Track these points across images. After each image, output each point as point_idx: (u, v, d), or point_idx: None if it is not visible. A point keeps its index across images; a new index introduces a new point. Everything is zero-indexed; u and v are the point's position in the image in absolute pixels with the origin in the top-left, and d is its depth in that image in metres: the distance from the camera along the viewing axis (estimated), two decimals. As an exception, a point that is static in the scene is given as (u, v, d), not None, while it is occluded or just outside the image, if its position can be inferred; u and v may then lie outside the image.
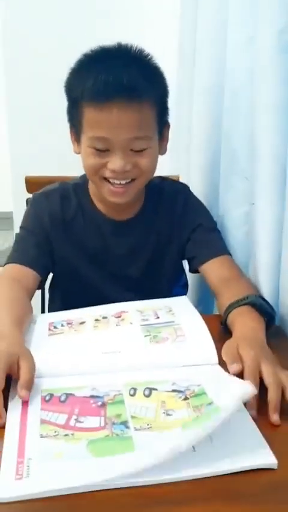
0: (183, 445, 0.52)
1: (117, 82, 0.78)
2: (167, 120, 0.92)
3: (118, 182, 0.86)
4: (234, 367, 0.64)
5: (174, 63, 1.33)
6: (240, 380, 0.62)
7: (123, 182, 0.86)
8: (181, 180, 1.23)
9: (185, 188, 1.03)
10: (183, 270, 1.09)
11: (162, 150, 0.92)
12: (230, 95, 1.00)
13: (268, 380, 0.62)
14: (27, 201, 1.28)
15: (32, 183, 1.28)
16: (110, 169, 0.84)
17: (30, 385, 0.63)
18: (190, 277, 1.12)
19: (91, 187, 0.97)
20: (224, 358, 0.68)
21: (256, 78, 0.86)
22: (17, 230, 1.62)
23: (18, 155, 1.83)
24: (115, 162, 0.83)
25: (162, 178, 1.02)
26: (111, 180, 0.86)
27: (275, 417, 0.59)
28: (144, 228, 0.98)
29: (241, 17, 0.94)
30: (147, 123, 0.84)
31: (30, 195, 1.27)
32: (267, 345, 0.71)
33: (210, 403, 0.60)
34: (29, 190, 1.28)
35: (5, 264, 0.92)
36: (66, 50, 1.64)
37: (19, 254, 0.93)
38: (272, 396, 0.60)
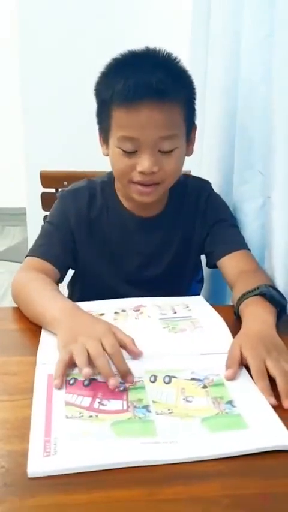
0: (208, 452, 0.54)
1: (146, 84, 0.81)
2: (194, 122, 0.94)
3: (145, 186, 0.88)
4: (228, 372, 0.67)
5: (186, 59, 1.34)
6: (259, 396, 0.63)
7: (150, 185, 0.88)
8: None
9: (207, 185, 1.06)
10: (201, 265, 1.11)
11: (189, 152, 0.95)
12: (245, 90, 1.02)
13: (273, 372, 0.65)
14: (41, 196, 1.31)
15: (47, 178, 1.30)
16: (138, 171, 0.86)
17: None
18: (205, 271, 1.14)
19: (117, 185, 0.99)
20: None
21: (273, 73, 0.88)
22: (30, 226, 1.65)
23: (32, 152, 1.85)
24: (143, 163, 0.85)
25: (186, 176, 1.04)
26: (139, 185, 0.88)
27: (287, 403, 0.62)
28: (169, 225, 1.00)
29: (257, 15, 0.96)
30: (175, 123, 0.86)
31: (45, 190, 1.31)
32: (277, 334, 0.73)
33: (229, 401, 0.62)
34: (44, 185, 1.30)
35: (27, 256, 0.94)
36: (81, 46, 1.68)
37: (42, 249, 0.94)
38: (281, 385, 0.63)
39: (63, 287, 1.12)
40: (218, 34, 1.13)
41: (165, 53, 0.87)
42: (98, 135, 0.94)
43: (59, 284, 1.03)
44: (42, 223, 1.30)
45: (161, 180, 0.89)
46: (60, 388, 0.63)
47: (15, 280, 0.88)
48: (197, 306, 0.89)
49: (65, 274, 1.00)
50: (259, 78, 0.97)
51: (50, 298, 0.79)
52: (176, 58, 0.88)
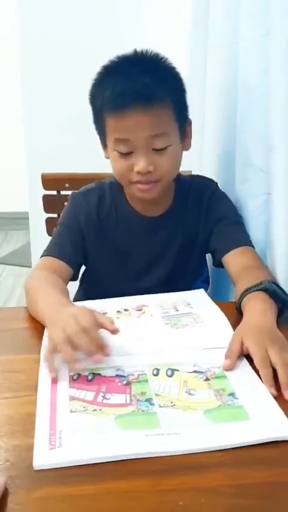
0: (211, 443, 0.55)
1: (133, 90, 0.84)
2: (187, 116, 0.96)
3: (143, 185, 0.91)
4: (226, 362, 0.68)
5: (185, 58, 1.35)
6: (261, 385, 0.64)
7: (147, 184, 0.91)
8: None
9: (212, 183, 1.07)
10: (205, 264, 1.12)
11: (186, 146, 0.97)
12: (244, 88, 1.02)
13: (275, 362, 0.66)
14: (43, 198, 1.32)
15: (48, 180, 1.31)
16: (136, 171, 0.89)
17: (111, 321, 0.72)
18: (210, 270, 1.14)
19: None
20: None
21: (272, 72, 0.88)
22: (32, 229, 1.66)
23: (34, 156, 1.86)
24: (139, 163, 0.88)
25: (193, 176, 1.07)
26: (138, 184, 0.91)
27: (287, 393, 0.62)
28: (174, 224, 1.02)
29: (254, 13, 0.97)
30: (164, 122, 0.88)
31: (46, 192, 1.32)
32: (278, 329, 0.73)
33: (231, 393, 0.63)
34: (45, 187, 1.31)
35: (42, 256, 0.97)
36: (82, 49, 1.69)
37: (56, 248, 0.98)
38: (281, 376, 0.64)
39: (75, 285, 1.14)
40: (217, 33, 1.14)
41: (152, 54, 0.90)
42: (99, 138, 0.97)
43: (74, 281, 1.06)
44: (45, 225, 1.32)
45: (159, 177, 0.91)
46: (54, 376, 0.65)
47: (27, 280, 0.91)
48: (198, 301, 0.89)
49: (79, 271, 1.03)
50: (258, 76, 0.97)
51: (49, 298, 0.81)
52: (163, 58, 0.91)
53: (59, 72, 1.75)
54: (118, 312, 0.86)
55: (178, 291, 0.95)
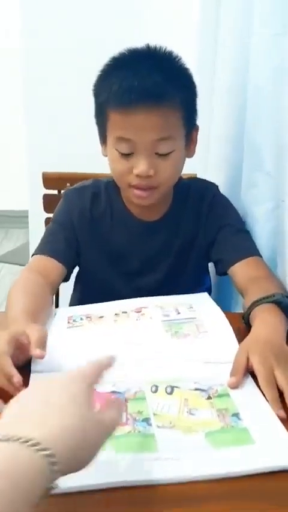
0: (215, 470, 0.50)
1: (142, 87, 0.79)
2: (195, 122, 0.91)
3: (142, 189, 0.86)
4: (232, 380, 0.64)
5: (193, 59, 1.31)
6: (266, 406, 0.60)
7: (146, 190, 0.86)
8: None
9: (212, 187, 1.02)
10: (207, 272, 1.07)
11: (191, 153, 0.92)
12: (254, 90, 0.98)
13: (282, 383, 0.61)
14: (43, 197, 1.28)
15: (49, 179, 1.28)
16: (135, 173, 0.84)
17: (42, 343, 0.63)
18: (213, 279, 1.10)
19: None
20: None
21: (284, 72, 0.84)
22: (32, 228, 1.62)
23: (35, 154, 1.82)
24: (139, 166, 0.83)
25: (192, 179, 1.02)
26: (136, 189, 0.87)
27: None
28: (171, 229, 0.97)
29: (267, 13, 0.93)
30: (172, 125, 0.83)
31: (47, 192, 1.28)
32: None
33: (235, 414, 0.58)
34: (45, 186, 1.28)
35: (33, 255, 0.94)
36: (84, 47, 1.65)
37: (48, 246, 0.94)
38: None
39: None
40: (227, 33, 1.10)
41: (165, 51, 0.84)
42: (98, 132, 0.92)
43: (66, 282, 1.01)
44: (44, 225, 1.28)
45: (158, 184, 0.86)
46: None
47: (14, 281, 0.87)
48: (201, 305, 0.85)
49: (72, 270, 0.98)
50: (268, 76, 0.93)
51: (11, 310, 0.76)
52: (176, 57, 0.85)
53: (61, 70, 1.71)
54: (116, 314, 0.82)
55: (176, 292, 0.90)
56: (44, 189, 1.28)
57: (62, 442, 0.39)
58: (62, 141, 1.74)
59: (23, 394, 0.45)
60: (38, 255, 0.92)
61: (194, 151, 0.93)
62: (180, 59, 0.86)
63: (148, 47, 0.84)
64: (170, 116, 0.82)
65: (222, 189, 1.09)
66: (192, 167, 1.34)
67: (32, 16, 1.73)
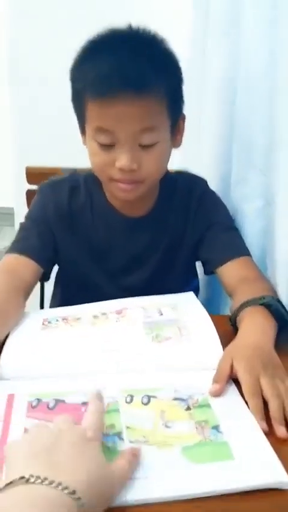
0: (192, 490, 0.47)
1: (121, 75, 0.71)
2: (181, 111, 0.84)
3: (125, 184, 0.80)
4: (214, 388, 0.60)
5: (184, 50, 1.26)
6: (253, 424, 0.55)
7: (131, 183, 0.80)
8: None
9: (201, 182, 0.97)
10: (195, 272, 1.02)
11: (177, 143, 0.85)
12: (246, 82, 0.94)
13: (266, 393, 0.57)
14: (26, 193, 1.23)
15: (32, 174, 1.22)
16: (117, 167, 0.77)
17: None
18: (201, 280, 1.06)
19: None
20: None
21: (277, 63, 0.80)
22: (17, 225, 1.55)
23: (20, 150, 1.77)
24: (121, 159, 0.76)
25: (179, 172, 0.96)
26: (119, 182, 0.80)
27: (281, 430, 0.54)
28: (157, 226, 0.92)
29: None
30: (155, 115, 0.76)
31: (31, 187, 1.23)
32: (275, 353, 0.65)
33: (215, 426, 0.54)
34: (29, 181, 1.23)
35: (6, 253, 0.87)
36: (71, 38, 1.60)
37: (19, 244, 0.88)
38: (273, 409, 0.56)
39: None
40: (217, 19, 1.05)
41: (148, 34, 0.76)
42: (77, 120, 0.85)
43: (46, 281, 0.96)
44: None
45: (143, 178, 0.80)
46: None
47: None
48: (186, 305, 0.80)
49: (50, 268, 0.93)
50: (263, 65, 0.88)
51: None
52: (161, 40, 0.77)
53: (48, 63, 1.66)
54: (94, 317, 0.77)
55: (163, 293, 0.86)
56: (28, 184, 1.23)
57: (89, 492, 0.41)
58: (48, 136, 1.69)
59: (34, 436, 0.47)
60: (9, 254, 0.86)
61: (181, 142, 0.87)
62: (164, 41, 0.77)
63: (130, 27, 0.76)
64: (154, 106, 0.75)
65: (214, 186, 1.05)
66: (184, 163, 1.30)
67: (22, 13, 1.68)
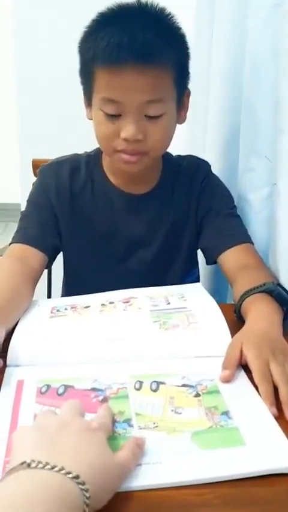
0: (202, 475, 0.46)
1: (131, 44, 0.72)
2: (187, 86, 0.85)
3: (130, 155, 0.80)
4: (224, 373, 0.60)
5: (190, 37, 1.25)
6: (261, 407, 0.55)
7: (134, 156, 0.80)
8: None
9: (206, 165, 0.96)
10: (196, 263, 1.01)
11: (181, 119, 0.86)
12: (251, 67, 0.93)
13: (276, 379, 0.57)
14: (33, 185, 1.23)
15: (39, 167, 1.23)
16: (122, 137, 0.77)
17: None
18: (202, 270, 1.05)
19: (105, 159, 0.91)
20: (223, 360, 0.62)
21: (281, 49, 0.79)
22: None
23: (26, 147, 1.77)
24: (127, 129, 0.76)
25: (183, 155, 0.96)
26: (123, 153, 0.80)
27: None
28: (160, 205, 0.91)
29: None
30: (163, 86, 0.77)
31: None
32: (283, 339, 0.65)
33: (225, 412, 0.54)
34: (36, 174, 1.23)
35: (10, 244, 0.87)
36: (76, 34, 1.59)
37: (22, 233, 0.87)
38: (283, 394, 0.56)
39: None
40: (223, 8, 1.04)
41: (157, 8, 0.78)
42: (83, 93, 0.85)
43: (47, 268, 0.95)
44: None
45: (147, 149, 0.80)
46: None
47: None
48: (194, 295, 0.80)
49: (54, 255, 0.92)
50: (267, 56, 0.88)
51: None
52: (169, 14, 0.79)
53: (54, 60, 1.66)
54: (102, 305, 0.76)
55: (166, 276, 0.85)
56: (34, 179, 1.23)
57: (92, 480, 0.40)
58: (54, 131, 1.69)
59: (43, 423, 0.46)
60: (14, 244, 0.86)
61: (185, 118, 0.87)
62: (173, 16, 0.79)
63: (139, 2, 0.78)
64: (162, 77, 0.76)
65: (221, 174, 1.04)
66: (191, 150, 1.29)
67: (26, 3, 1.68)
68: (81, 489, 0.38)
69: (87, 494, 0.38)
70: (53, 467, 0.39)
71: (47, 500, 0.36)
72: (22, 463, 0.39)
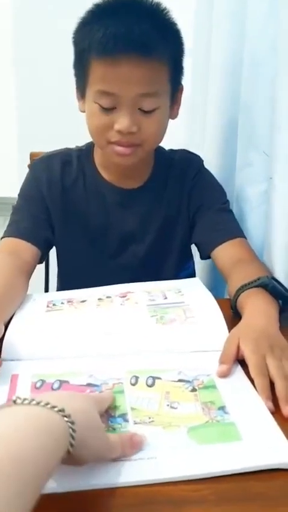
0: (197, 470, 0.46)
1: (127, 36, 0.72)
2: (181, 82, 0.85)
3: (125, 147, 0.79)
4: (221, 368, 0.59)
5: (189, 32, 1.24)
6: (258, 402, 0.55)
7: (128, 148, 0.80)
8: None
9: (198, 160, 0.96)
10: (191, 256, 1.01)
11: (174, 114, 0.86)
12: (250, 64, 0.93)
13: (273, 374, 0.57)
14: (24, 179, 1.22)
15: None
16: (116, 129, 0.77)
17: None
18: (199, 264, 1.04)
19: (96, 154, 0.90)
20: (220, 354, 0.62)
21: (280, 45, 0.78)
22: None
23: (24, 143, 1.76)
24: (121, 122, 0.76)
25: (175, 149, 0.96)
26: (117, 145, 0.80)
27: (287, 409, 0.53)
28: (152, 199, 0.91)
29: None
30: (158, 80, 0.77)
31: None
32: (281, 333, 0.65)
33: (221, 407, 0.53)
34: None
35: (2, 238, 0.86)
36: (74, 28, 1.59)
37: (14, 227, 0.87)
38: (279, 389, 0.55)
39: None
40: (222, 2, 1.03)
41: (153, 2, 0.77)
42: (76, 85, 0.84)
43: (41, 264, 0.95)
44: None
45: (141, 141, 0.80)
46: None
47: None
48: (191, 290, 0.79)
49: (47, 248, 0.92)
50: (264, 54, 0.88)
51: None
52: (165, 9, 0.78)
53: (52, 53, 1.65)
54: (99, 299, 0.76)
55: (160, 271, 0.84)
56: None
57: (77, 418, 0.40)
58: (53, 125, 1.68)
59: None
60: (6, 238, 0.85)
61: (177, 113, 0.87)
62: (168, 12, 0.79)
63: None
64: (157, 70, 0.76)
65: (217, 168, 1.04)
66: (189, 146, 1.28)
67: (24, 7, 1.67)
68: (67, 421, 0.39)
69: (74, 427, 0.39)
70: (38, 403, 0.39)
71: (34, 431, 0.36)
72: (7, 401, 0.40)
